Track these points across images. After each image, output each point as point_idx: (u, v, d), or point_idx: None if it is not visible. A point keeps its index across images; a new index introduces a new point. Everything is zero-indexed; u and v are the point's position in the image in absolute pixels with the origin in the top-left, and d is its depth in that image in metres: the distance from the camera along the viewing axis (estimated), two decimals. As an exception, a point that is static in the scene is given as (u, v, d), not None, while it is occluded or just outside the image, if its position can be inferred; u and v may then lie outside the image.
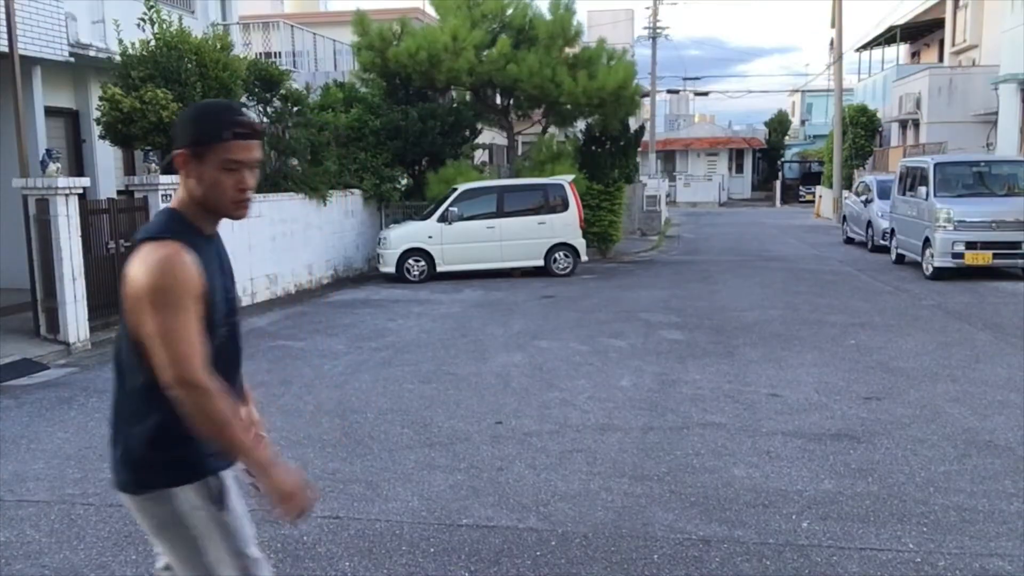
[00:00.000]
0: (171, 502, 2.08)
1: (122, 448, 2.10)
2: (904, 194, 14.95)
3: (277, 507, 2.05)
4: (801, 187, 43.12)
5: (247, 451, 2.02)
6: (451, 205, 14.30)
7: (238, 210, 2.09)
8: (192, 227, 2.07)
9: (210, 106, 2.11)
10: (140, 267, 1.95)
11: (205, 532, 2.10)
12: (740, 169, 48.28)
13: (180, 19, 11.52)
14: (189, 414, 1.95)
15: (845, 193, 24.60)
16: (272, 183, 13.55)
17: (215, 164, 2.01)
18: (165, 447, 2.06)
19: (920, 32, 33.03)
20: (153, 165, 10.47)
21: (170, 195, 10.54)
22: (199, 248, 2.04)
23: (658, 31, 40.75)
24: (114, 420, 2.14)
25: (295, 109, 14.14)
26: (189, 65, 10.91)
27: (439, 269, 14.33)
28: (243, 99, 12.92)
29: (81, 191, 9.26)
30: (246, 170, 2.06)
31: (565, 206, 14.61)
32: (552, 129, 18.65)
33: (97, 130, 11.06)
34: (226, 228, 2.28)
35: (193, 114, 2.07)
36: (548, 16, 17.08)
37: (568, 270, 14.62)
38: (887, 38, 33.25)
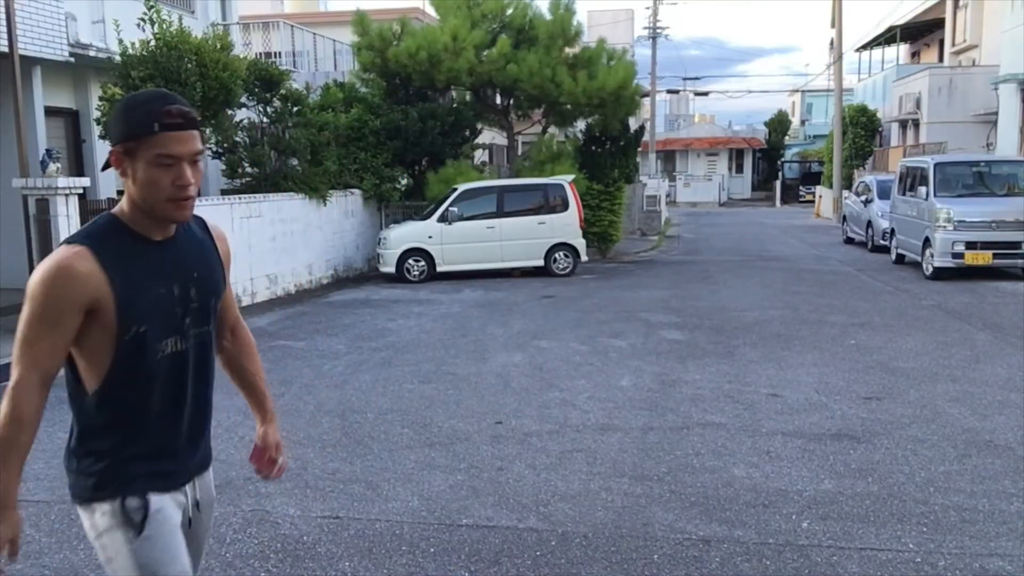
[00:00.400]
0: (90, 516, 1.96)
1: (70, 468, 2.02)
2: (904, 194, 14.95)
3: None
4: (801, 187, 43.13)
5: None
6: (451, 205, 14.30)
7: (177, 210, 1.89)
8: (128, 232, 1.91)
9: (138, 97, 1.89)
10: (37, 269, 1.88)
11: (113, 556, 1.94)
12: (740, 169, 48.28)
13: (180, 19, 11.52)
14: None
15: (845, 193, 24.60)
16: (272, 183, 13.56)
17: (147, 160, 1.83)
18: (85, 458, 1.95)
19: (920, 32, 33.04)
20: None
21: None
22: (133, 256, 1.90)
23: (658, 31, 40.81)
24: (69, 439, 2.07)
25: (295, 109, 14.14)
26: (189, 65, 10.91)
27: (439, 269, 14.33)
28: (243, 99, 12.93)
29: (81, 191, 9.26)
30: (184, 164, 1.86)
31: (565, 206, 14.61)
32: (552, 129, 18.65)
33: (97, 130, 11.07)
34: (226, 226, 2.25)
35: (121, 107, 1.89)
36: (548, 16, 17.09)
37: (568, 270, 14.62)
38: (887, 38, 33.27)
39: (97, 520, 1.94)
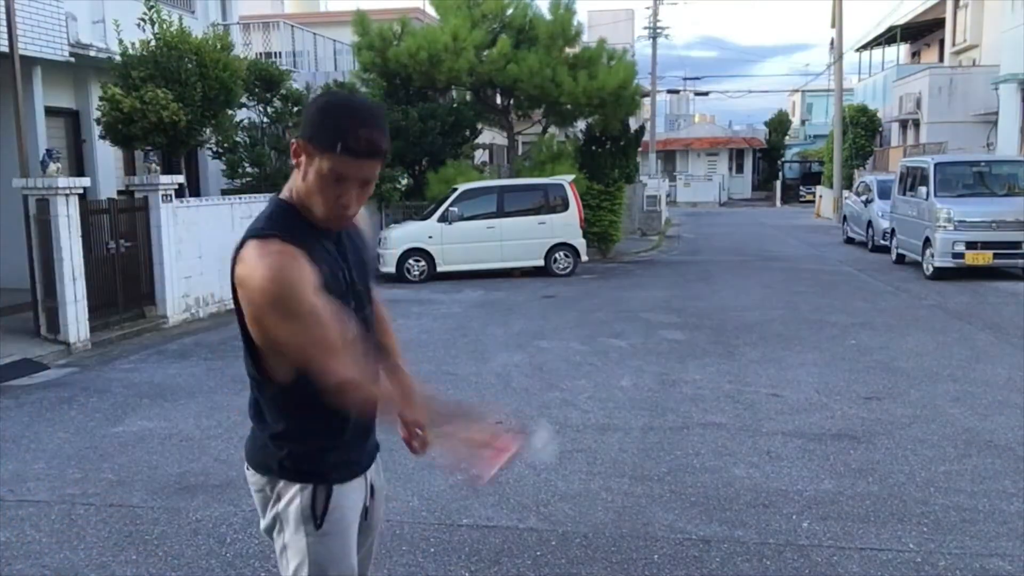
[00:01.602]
0: (276, 493, 1.97)
1: (253, 434, 2.03)
2: (904, 194, 14.95)
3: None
4: (801, 187, 43.11)
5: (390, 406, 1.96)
6: (451, 205, 14.30)
7: (331, 222, 1.88)
8: (302, 219, 1.87)
9: (334, 106, 1.82)
10: (250, 272, 1.77)
11: (289, 541, 1.96)
12: (740, 169, 48.26)
13: (180, 19, 11.52)
14: (349, 406, 1.87)
15: (845, 193, 24.59)
16: (272, 183, 13.55)
17: (323, 170, 1.80)
18: (279, 439, 1.95)
19: (920, 32, 33.04)
20: (153, 165, 10.48)
21: (170, 195, 10.57)
22: (312, 242, 1.85)
23: (658, 31, 40.75)
24: (250, 409, 2.04)
25: (295, 109, 14.13)
26: (189, 65, 10.91)
27: (439, 269, 14.32)
28: (243, 99, 12.93)
29: (81, 191, 9.27)
30: (353, 186, 1.82)
31: (565, 206, 14.60)
32: (552, 129, 18.65)
33: (97, 130, 11.07)
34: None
35: (321, 106, 1.83)
36: (548, 16, 17.08)
37: (568, 270, 14.62)
38: (887, 38, 33.26)
39: (282, 504, 1.95)
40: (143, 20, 10.92)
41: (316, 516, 1.93)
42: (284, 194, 1.92)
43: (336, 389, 1.81)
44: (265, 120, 14.26)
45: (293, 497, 1.94)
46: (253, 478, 2.03)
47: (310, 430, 1.95)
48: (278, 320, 1.76)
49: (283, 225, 1.83)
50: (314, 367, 1.79)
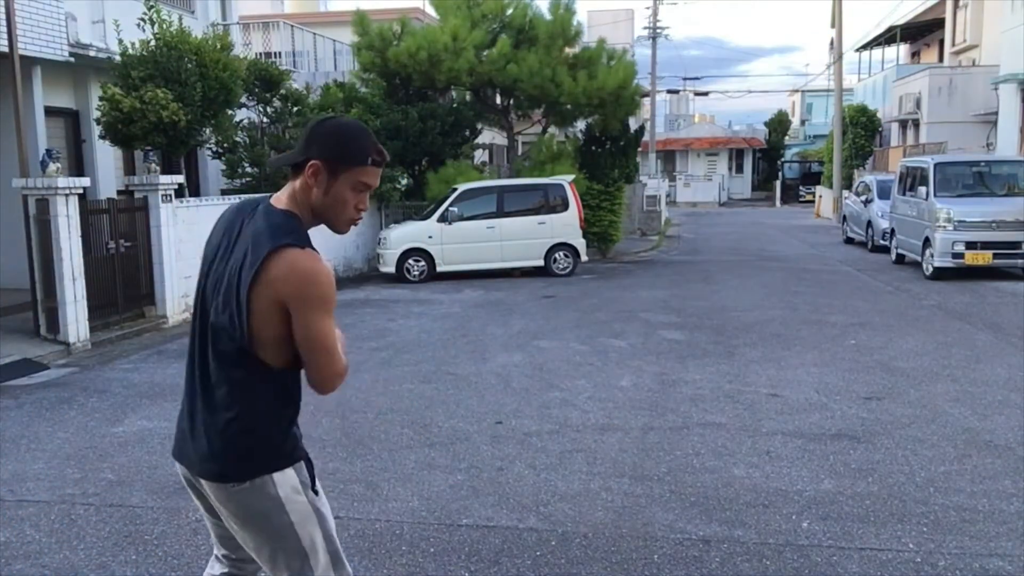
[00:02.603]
0: (273, 487, 2.12)
1: (215, 438, 2.12)
2: (904, 194, 14.95)
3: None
4: (801, 187, 43.08)
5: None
6: (451, 205, 14.30)
7: (346, 226, 2.21)
8: (306, 233, 2.16)
9: (356, 129, 2.16)
10: (313, 275, 2.02)
11: (304, 517, 2.16)
12: (740, 169, 48.25)
13: (180, 19, 11.52)
14: (330, 391, 2.12)
15: (845, 193, 24.59)
16: (272, 183, 13.55)
17: (348, 183, 2.11)
18: (263, 434, 2.12)
19: (920, 32, 33.04)
20: (153, 165, 10.47)
21: (170, 195, 10.56)
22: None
23: (658, 31, 40.75)
24: (201, 409, 2.15)
25: (295, 109, 14.14)
26: (189, 65, 10.91)
27: (439, 269, 14.33)
28: (243, 99, 12.93)
29: (81, 191, 9.26)
30: (367, 192, 2.18)
31: (565, 206, 14.60)
32: (552, 129, 18.64)
33: (97, 130, 11.07)
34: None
35: (342, 132, 2.13)
36: (548, 16, 17.07)
37: (568, 270, 14.62)
38: (887, 38, 33.26)
39: (280, 490, 2.13)
40: (143, 20, 10.93)
41: (313, 482, 2.20)
42: (288, 207, 2.15)
43: (341, 373, 2.11)
44: (265, 120, 14.26)
45: (286, 479, 2.14)
46: (232, 490, 2.13)
47: (290, 416, 2.19)
48: (324, 315, 2.04)
49: (306, 238, 2.12)
50: (331, 356, 2.07)
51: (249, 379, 2.10)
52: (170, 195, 10.57)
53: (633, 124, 19.79)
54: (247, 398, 2.10)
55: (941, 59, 30.65)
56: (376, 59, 16.69)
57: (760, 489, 4.57)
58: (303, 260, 2.03)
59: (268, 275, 2.01)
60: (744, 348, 8.27)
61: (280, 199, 2.17)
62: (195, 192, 14.22)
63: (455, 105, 17.55)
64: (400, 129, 16.04)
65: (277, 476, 2.12)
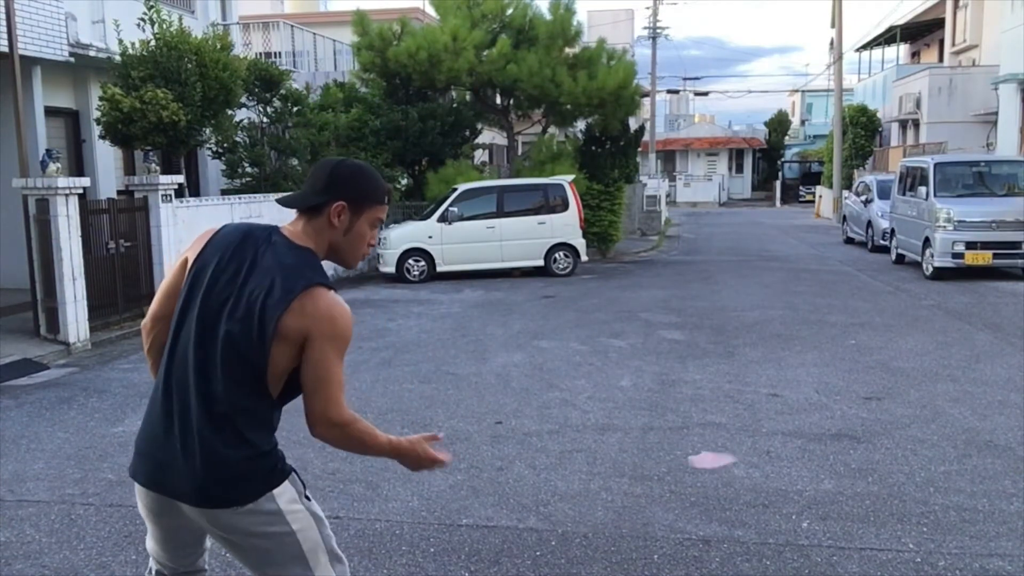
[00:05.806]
0: (273, 502, 2.17)
1: (219, 465, 2.11)
2: (904, 194, 14.95)
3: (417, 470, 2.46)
4: (801, 187, 43.09)
5: (381, 450, 2.28)
6: (451, 205, 14.30)
7: (359, 261, 2.38)
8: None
9: (372, 170, 2.34)
10: (342, 314, 2.13)
11: (305, 525, 2.23)
12: (740, 169, 48.26)
13: (180, 19, 11.53)
14: (336, 443, 2.21)
15: (845, 193, 24.59)
16: (272, 183, 13.56)
17: (367, 220, 2.28)
18: (264, 456, 2.19)
19: (920, 32, 33.04)
20: (153, 165, 10.47)
21: (170, 195, 10.55)
22: None
23: (658, 31, 40.79)
24: (198, 436, 2.11)
25: (295, 109, 14.15)
26: (189, 65, 10.91)
27: (439, 269, 14.32)
28: (243, 99, 12.93)
29: (81, 191, 9.26)
30: (378, 228, 2.36)
31: (565, 206, 14.60)
32: (552, 129, 18.64)
33: (97, 130, 11.07)
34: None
35: (363, 174, 2.28)
36: (548, 16, 17.08)
37: (568, 270, 14.62)
38: (887, 38, 33.26)
39: (281, 503, 2.20)
40: (143, 20, 10.93)
41: (304, 491, 2.28)
42: (311, 246, 2.24)
43: (349, 421, 2.17)
44: (265, 120, 14.26)
45: (283, 492, 2.21)
46: (236, 513, 2.15)
47: (274, 436, 2.28)
48: (341, 354, 2.14)
49: (328, 279, 2.23)
50: (341, 389, 2.15)
51: (258, 406, 2.16)
52: (170, 195, 10.57)
53: (633, 124, 19.79)
54: (254, 425, 2.16)
55: (941, 59, 30.65)
56: (376, 59, 16.70)
57: (760, 489, 4.57)
58: (338, 303, 2.14)
59: (302, 309, 2.07)
60: (744, 348, 8.27)
61: (296, 235, 2.23)
62: (195, 192, 14.23)
63: (455, 105, 17.56)
64: (400, 129, 16.04)
65: (276, 491, 2.18)
